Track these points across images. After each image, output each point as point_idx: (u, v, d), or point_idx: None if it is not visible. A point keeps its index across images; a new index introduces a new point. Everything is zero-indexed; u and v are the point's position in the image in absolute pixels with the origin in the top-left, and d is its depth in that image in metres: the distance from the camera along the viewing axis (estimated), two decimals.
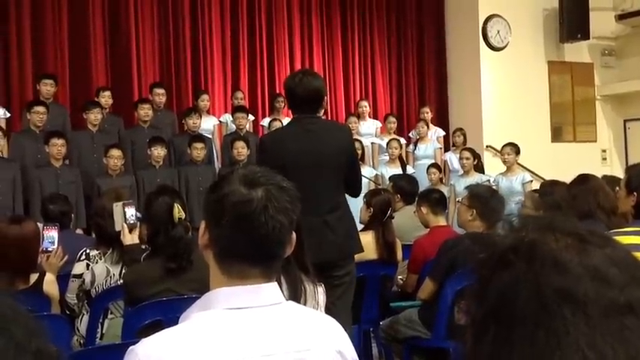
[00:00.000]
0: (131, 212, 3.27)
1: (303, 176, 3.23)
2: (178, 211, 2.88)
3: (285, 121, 8.26)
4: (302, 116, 3.44)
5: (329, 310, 3.16)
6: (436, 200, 4.52)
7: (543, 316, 0.68)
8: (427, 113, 8.98)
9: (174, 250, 2.84)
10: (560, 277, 0.70)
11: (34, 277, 3.27)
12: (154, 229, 2.94)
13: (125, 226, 3.25)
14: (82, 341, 3.33)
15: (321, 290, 2.53)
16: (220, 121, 8.26)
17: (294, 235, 1.41)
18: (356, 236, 3.56)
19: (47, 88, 6.95)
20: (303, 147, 3.34)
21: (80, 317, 3.43)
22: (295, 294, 2.36)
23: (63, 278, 3.55)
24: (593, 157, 10.01)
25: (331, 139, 3.46)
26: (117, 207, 3.28)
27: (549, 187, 4.20)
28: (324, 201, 3.34)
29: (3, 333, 0.52)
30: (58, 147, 6.19)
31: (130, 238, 3.24)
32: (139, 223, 3.28)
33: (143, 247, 3.50)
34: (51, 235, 3.39)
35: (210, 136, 7.70)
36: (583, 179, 3.55)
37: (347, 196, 3.58)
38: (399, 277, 4.56)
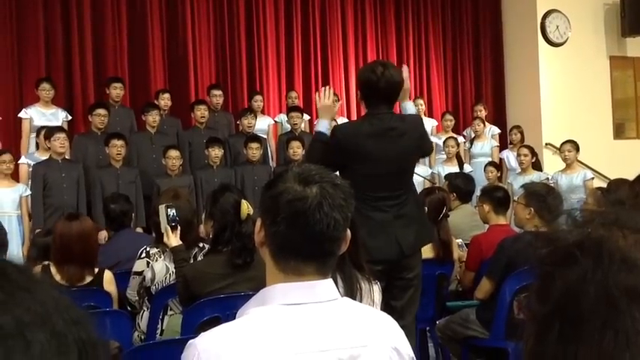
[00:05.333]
0: (172, 214, 3.30)
1: (378, 175, 3.20)
2: (247, 207, 2.93)
3: (340, 120, 8.28)
4: (377, 112, 3.25)
5: (396, 312, 3.15)
6: (499, 200, 4.40)
7: (612, 315, 0.66)
8: (481, 111, 8.85)
9: (242, 245, 2.89)
10: (629, 275, 0.68)
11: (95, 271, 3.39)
12: (220, 225, 2.99)
13: (168, 227, 3.30)
14: (142, 337, 3.41)
15: (376, 288, 2.52)
16: (275, 121, 8.33)
17: (348, 232, 1.41)
18: (427, 226, 3.53)
19: (117, 91, 7.16)
20: (381, 145, 3.22)
21: (141, 313, 3.51)
22: (351, 291, 2.36)
23: (124, 275, 3.64)
24: None
25: (408, 134, 3.33)
26: (161, 209, 3.33)
27: (615, 184, 4.08)
28: (397, 196, 3.28)
29: (44, 325, 0.52)
30: (117, 148, 6.35)
31: (175, 240, 3.30)
32: (179, 225, 3.32)
33: (201, 245, 3.57)
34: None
35: (265, 136, 7.78)
36: None
37: None
38: (460, 261, 4.49)
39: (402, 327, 3.31)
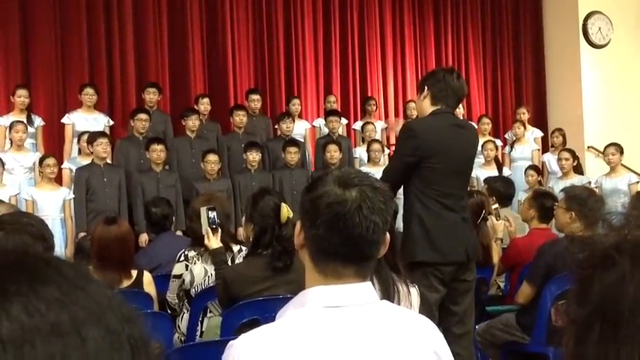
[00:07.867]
0: (213, 217, 3.34)
1: (449, 171, 3.24)
2: (287, 210, 2.95)
3: (378, 123, 8.28)
4: (442, 110, 3.29)
5: (458, 316, 3.17)
6: (547, 210, 4.33)
7: None
8: (524, 114, 8.74)
9: (282, 248, 2.92)
10: None
11: (133, 274, 3.44)
12: (261, 228, 3.02)
13: (209, 230, 3.33)
14: (182, 338, 3.45)
15: (414, 292, 2.50)
16: (313, 125, 8.36)
17: (388, 235, 1.41)
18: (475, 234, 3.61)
19: (150, 96, 7.27)
20: (451, 142, 3.26)
21: (181, 316, 3.56)
22: (388, 295, 2.35)
23: (165, 278, 3.70)
24: None
25: (470, 136, 3.49)
26: (203, 211, 3.38)
27: None
28: (461, 197, 3.33)
29: (99, 323, 0.54)
30: (157, 152, 6.44)
31: (215, 242, 3.33)
32: (219, 228, 3.35)
33: (238, 248, 3.60)
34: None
35: (302, 140, 7.82)
36: None
37: None
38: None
39: (465, 333, 3.33)
